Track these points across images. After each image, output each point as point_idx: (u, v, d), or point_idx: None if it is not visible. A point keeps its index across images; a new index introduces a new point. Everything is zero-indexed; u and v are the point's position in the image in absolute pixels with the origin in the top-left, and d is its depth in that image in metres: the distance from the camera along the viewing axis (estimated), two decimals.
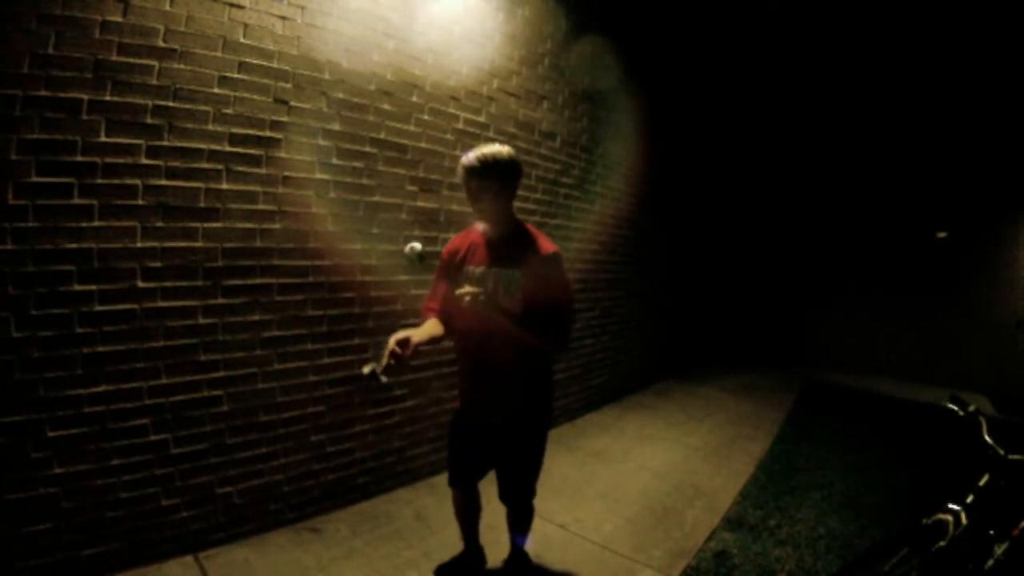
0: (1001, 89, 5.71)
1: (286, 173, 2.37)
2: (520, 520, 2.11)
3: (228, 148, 2.18)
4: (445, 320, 1.88)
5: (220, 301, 2.22)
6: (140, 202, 1.98)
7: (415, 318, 2.95)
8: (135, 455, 2.05)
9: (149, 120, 1.97)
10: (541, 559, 2.33)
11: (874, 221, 7.22)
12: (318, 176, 2.49)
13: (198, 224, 2.14)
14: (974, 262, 6.55)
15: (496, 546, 2.33)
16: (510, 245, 1.81)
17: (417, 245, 1.99)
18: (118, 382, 1.99)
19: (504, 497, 2.01)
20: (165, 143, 2.02)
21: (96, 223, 1.90)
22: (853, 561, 1.91)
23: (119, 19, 1.88)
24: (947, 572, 1.67)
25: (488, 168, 1.71)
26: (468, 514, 2.16)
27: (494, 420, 1.88)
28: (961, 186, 6.54)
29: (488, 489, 2.18)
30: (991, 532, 1.74)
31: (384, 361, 1.59)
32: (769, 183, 8.02)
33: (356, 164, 2.63)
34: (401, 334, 1.64)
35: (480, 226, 1.88)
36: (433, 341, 1.82)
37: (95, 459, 1.96)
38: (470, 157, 1.72)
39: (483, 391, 1.88)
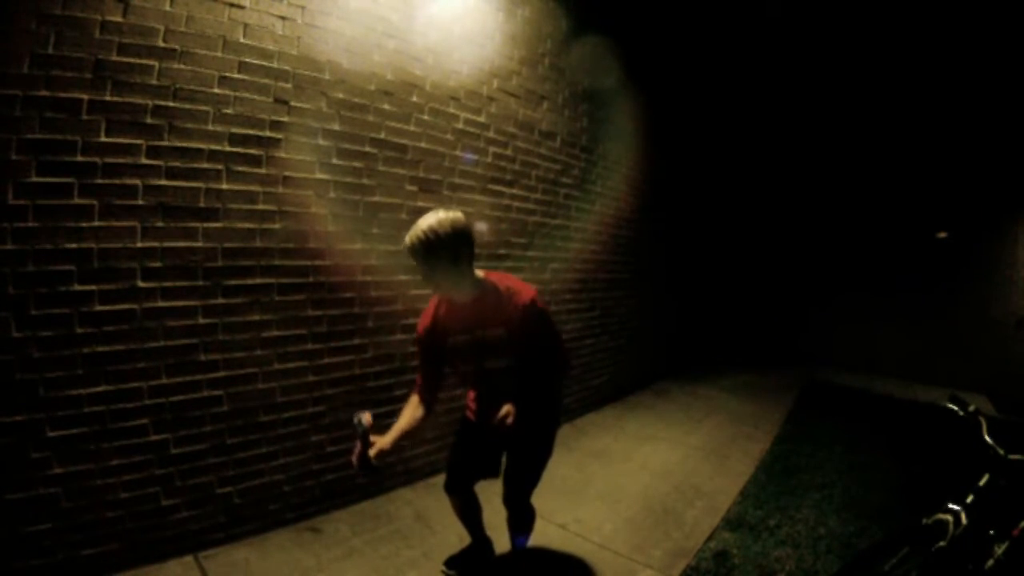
0: (1000, 89, 5.71)
1: (286, 173, 2.37)
2: (519, 520, 2.11)
3: (228, 148, 2.18)
4: (429, 401, 1.87)
5: (220, 301, 2.22)
6: (140, 202, 1.98)
7: (415, 318, 2.96)
8: (135, 455, 2.05)
9: (149, 120, 1.97)
10: (541, 559, 2.33)
11: (874, 220, 7.22)
12: (318, 176, 2.49)
13: (198, 224, 2.14)
14: (974, 261, 6.55)
15: (496, 546, 2.33)
16: (485, 306, 1.73)
17: None
18: (118, 382, 1.99)
19: (507, 500, 2.02)
20: (165, 143, 2.02)
21: (96, 223, 1.90)
22: (853, 561, 1.91)
23: (119, 19, 1.88)
24: (947, 572, 1.67)
25: (431, 245, 1.56)
26: (469, 514, 2.17)
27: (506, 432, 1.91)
28: (961, 186, 6.53)
29: (487, 488, 2.19)
30: (991, 532, 1.75)
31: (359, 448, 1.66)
32: (770, 182, 8.02)
33: (356, 164, 2.63)
34: (373, 439, 1.68)
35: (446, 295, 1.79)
36: (408, 436, 1.81)
37: (95, 459, 1.96)
38: (411, 238, 1.58)
39: (493, 411, 1.89)
